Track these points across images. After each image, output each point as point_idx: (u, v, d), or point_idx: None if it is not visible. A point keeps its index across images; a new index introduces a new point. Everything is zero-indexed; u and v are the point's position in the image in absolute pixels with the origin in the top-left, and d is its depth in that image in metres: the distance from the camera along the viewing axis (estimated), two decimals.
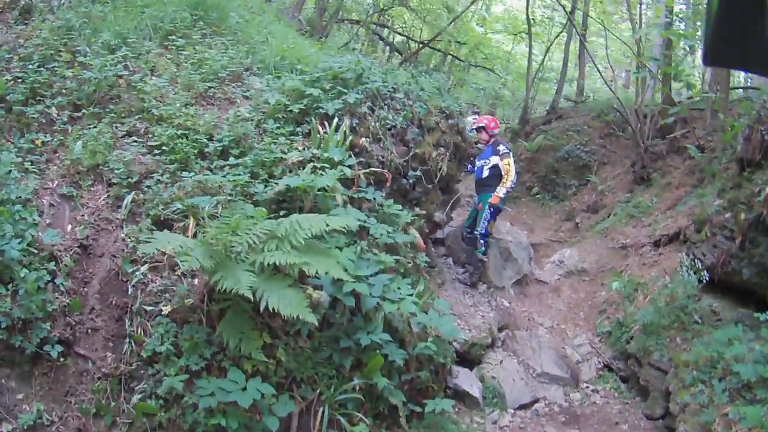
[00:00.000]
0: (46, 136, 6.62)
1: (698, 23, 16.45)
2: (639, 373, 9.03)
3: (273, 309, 4.86)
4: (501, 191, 10.55)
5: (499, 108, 30.56)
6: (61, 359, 4.99)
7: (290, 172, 7.03)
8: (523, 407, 8.59)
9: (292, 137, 7.65)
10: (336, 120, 7.83)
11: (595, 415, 8.64)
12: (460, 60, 29.09)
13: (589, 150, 18.85)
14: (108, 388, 5.03)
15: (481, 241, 10.81)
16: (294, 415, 5.58)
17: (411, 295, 6.66)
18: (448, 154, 9.34)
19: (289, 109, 7.92)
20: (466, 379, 8.33)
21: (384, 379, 6.14)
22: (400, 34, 29.88)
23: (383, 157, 8.19)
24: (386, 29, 28.68)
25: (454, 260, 11.95)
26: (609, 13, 24.10)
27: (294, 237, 5.33)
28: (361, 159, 7.93)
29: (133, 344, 5.25)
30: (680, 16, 14.89)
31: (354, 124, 8.08)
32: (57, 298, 5.19)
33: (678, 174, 14.64)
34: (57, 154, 6.52)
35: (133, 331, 5.32)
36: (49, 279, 5.20)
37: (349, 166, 7.36)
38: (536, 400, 8.78)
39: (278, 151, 7.22)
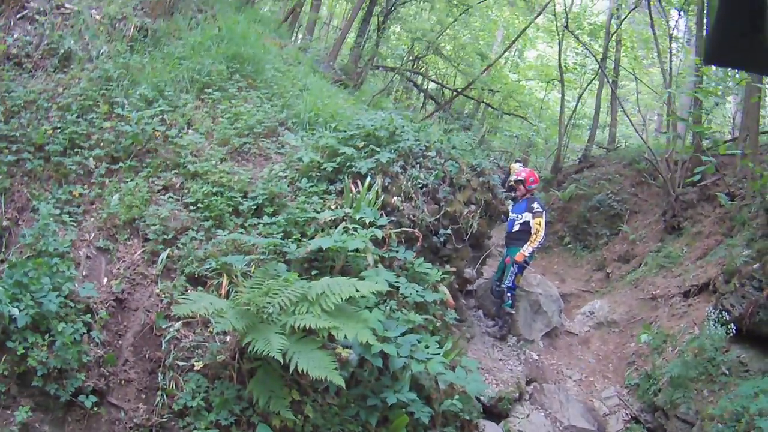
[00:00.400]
0: (83, 188, 6.98)
1: (727, 80, 16.79)
2: (666, 425, 9.13)
3: (302, 370, 5.12)
4: (527, 250, 10.78)
5: (532, 155, 31.32)
6: (95, 408, 5.29)
7: (322, 231, 7.35)
8: None
9: (325, 196, 8.00)
10: (368, 179, 8.14)
11: None
12: (493, 108, 29.64)
13: (621, 199, 19.30)
14: None
15: (508, 294, 11.00)
16: None
17: (438, 354, 6.80)
18: (479, 211, 9.61)
19: (322, 167, 8.26)
20: None
21: None
22: (434, 81, 30.67)
23: (414, 216, 8.46)
24: (420, 77, 29.24)
25: (484, 312, 12.12)
26: (640, 59, 24.41)
27: (325, 301, 5.62)
28: (393, 218, 8.21)
29: (165, 397, 5.55)
30: (707, 74, 15.29)
31: (386, 183, 8.39)
32: (92, 349, 5.51)
33: (708, 222, 14.90)
34: (94, 206, 6.87)
35: (166, 385, 5.62)
36: (85, 331, 5.53)
37: (381, 227, 7.62)
38: None
39: (311, 210, 7.55)
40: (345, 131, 8.94)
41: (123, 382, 5.59)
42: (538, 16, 24.88)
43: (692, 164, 16.33)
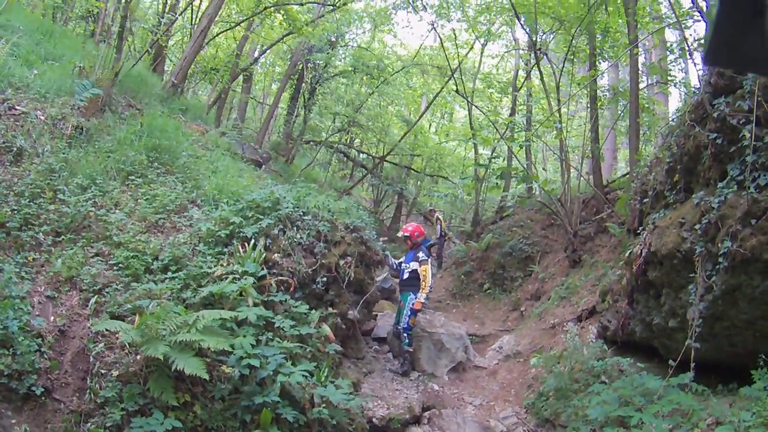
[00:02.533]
0: (36, 254, 9.58)
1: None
2: None
3: (180, 369, 7.95)
4: (422, 297, 13.47)
5: (461, 211, 33.75)
6: (43, 398, 7.90)
7: (215, 283, 9.98)
8: None
9: (219, 256, 10.62)
10: (253, 241, 10.87)
11: None
12: (416, 171, 32.29)
13: (531, 242, 21.72)
14: (73, 420, 7.94)
15: (404, 335, 13.51)
16: None
17: (304, 370, 9.29)
18: (353, 261, 12.14)
19: (218, 234, 10.96)
20: None
21: (278, 431, 8.42)
22: (361, 151, 33.54)
23: (293, 268, 11.12)
24: (351, 148, 32.21)
25: (393, 354, 14.50)
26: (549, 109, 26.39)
27: (197, 324, 8.50)
28: (274, 271, 10.86)
29: (92, 394, 8.18)
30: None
31: (268, 243, 11.10)
32: (42, 361, 8.17)
33: (604, 252, 17.15)
34: (44, 268, 9.51)
35: (93, 386, 8.29)
36: (37, 348, 8.17)
37: (261, 277, 10.40)
38: None
39: (206, 267, 10.23)
40: (238, 204, 11.57)
41: (63, 384, 8.22)
42: (447, 82, 27.58)
43: (596, 201, 19.13)
